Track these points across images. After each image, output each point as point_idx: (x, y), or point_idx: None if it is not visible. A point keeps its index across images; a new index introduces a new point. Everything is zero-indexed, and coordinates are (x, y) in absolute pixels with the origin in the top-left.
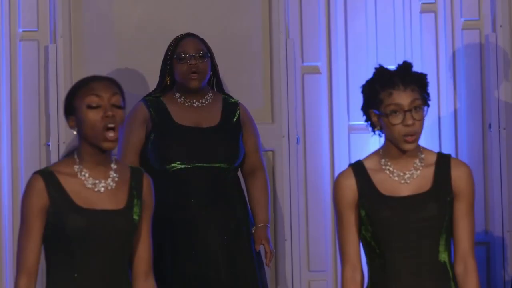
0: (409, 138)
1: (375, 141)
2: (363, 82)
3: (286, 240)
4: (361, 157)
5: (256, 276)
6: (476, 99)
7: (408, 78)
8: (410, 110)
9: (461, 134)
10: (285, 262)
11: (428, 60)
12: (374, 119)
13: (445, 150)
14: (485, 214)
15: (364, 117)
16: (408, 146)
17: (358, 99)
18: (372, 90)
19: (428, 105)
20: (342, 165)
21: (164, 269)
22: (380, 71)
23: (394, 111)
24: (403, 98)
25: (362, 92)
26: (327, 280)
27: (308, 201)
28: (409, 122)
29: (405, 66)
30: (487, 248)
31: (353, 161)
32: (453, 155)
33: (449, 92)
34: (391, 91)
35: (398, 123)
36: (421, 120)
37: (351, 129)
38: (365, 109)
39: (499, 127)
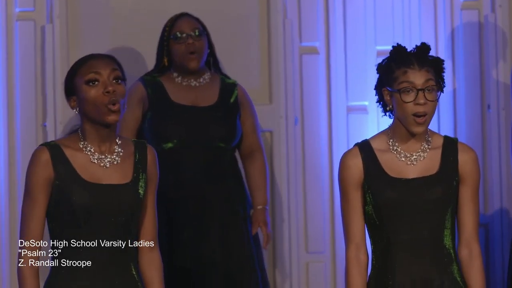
0: (419, 119)
1: (373, 122)
2: (362, 62)
3: (283, 221)
4: (359, 138)
5: (253, 257)
6: (475, 80)
7: (424, 59)
8: (423, 90)
9: (460, 114)
10: (283, 244)
11: (427, 40)
12: (387, 97)
13: (443, 131)
14: (484, 195)
15: (377, 97)
16: (417, 129)
17: (356, 80)
18: (388, 67)
19: (442, 91)
20: (340, 145)
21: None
22: (397, 49)
23: (407, 89)
24: (417, 77)
25: (377, 70)
26: (325, 261)
27: (306, 182)
28: (421, 101)
29: (423, 48)
30: (486, 229)
31: (351, 141)
32: (452, 136)
33: (448, 73)
34: (406, 69)
35: (410, 101)
36: (434, 101)
37: (350, 109)
38: (379, 87)
39: (498, 108)
